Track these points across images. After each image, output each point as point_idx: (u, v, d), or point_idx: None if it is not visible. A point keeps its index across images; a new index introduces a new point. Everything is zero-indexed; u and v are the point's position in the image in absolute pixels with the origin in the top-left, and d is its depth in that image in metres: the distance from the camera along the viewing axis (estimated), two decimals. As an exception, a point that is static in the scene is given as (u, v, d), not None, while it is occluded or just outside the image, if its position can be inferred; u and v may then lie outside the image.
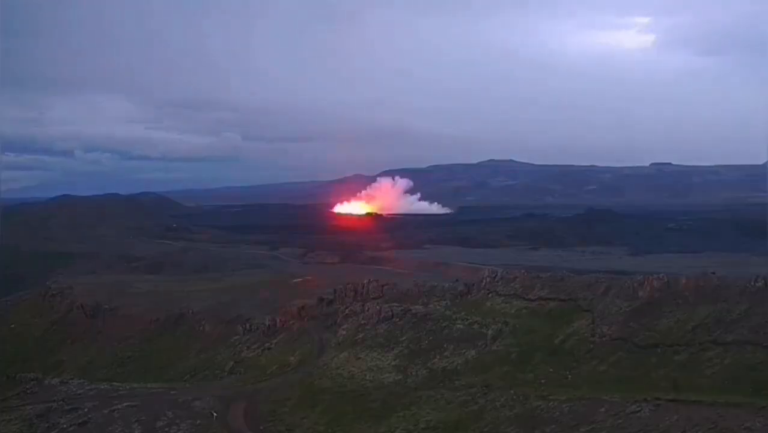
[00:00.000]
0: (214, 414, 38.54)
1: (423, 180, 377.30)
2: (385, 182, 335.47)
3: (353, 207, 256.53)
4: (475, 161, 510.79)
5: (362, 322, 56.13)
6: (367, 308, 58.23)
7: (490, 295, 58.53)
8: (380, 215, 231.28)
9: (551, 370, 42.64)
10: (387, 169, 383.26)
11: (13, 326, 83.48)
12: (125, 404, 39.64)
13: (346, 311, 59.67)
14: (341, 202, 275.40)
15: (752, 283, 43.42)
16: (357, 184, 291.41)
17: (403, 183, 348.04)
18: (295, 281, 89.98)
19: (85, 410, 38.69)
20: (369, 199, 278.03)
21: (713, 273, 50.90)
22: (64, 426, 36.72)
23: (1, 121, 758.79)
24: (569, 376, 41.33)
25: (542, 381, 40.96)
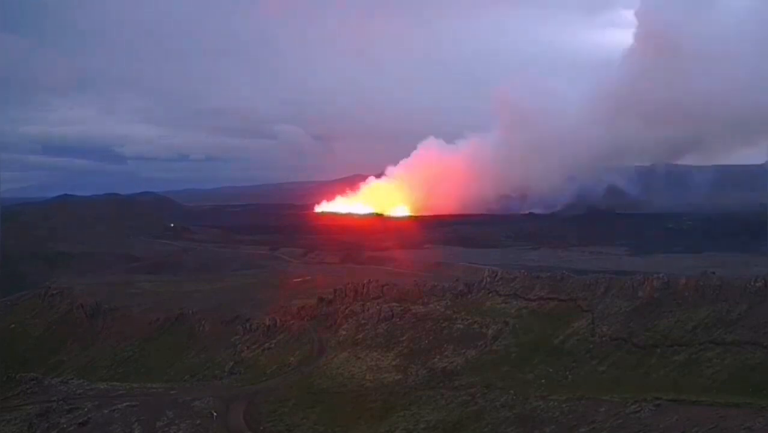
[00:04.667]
0: (214, 414, 38.56)
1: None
2: (427, 147, 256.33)
3: (355, 206, 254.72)
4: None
5: (362, 322, 56.20)
6: (367, 308, 58.30)
7: (490, 295, 58.58)
8: (381, 215, 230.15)
9: (551, 370, 42.69)
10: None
11: (13, 326, 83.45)
12: (125, 404, 39.67)
13: (346, 311, 59.69)
14: (329, 200, 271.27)
15: (752, 283, 43.47)
16: (356, 183, 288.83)
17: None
18: (295, 280, 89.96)
19: (85, 410, 38.73)
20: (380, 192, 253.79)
21: (713, 273, 51.02)
22: (64, 426, 36.76)
23: (2, 121, 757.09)
24: (569, 376, 41.39)
25: (542, 381, 41.03)
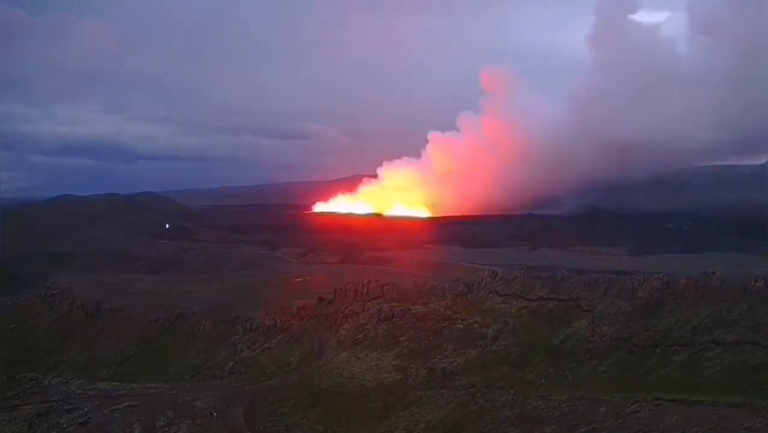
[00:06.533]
0: (214, 414, 38.58)
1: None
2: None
3: (355, 206, 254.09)
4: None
5: (362, 322, 56.24)
6: (367, 308, 58.34)
7: (490, 295, 58.61)
8: (381, 215, 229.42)
9: (551, 370, 42.73)
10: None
11: (13, 326, 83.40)
12: (125, 404, 39.67)
13: (346, 311, 59.72)
14: (329, 200, 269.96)
15: (752, 283, 43.55)
16: (356, 183, 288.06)
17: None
18: (295, 280, 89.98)
19: (85, 410, 38.72)
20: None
21: (713, 273, 51.09)
22: (64, 426, 36.76)
23: (3, 121, 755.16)
24: (569, 376, 41.41)
25: (542, 381, 41.06)
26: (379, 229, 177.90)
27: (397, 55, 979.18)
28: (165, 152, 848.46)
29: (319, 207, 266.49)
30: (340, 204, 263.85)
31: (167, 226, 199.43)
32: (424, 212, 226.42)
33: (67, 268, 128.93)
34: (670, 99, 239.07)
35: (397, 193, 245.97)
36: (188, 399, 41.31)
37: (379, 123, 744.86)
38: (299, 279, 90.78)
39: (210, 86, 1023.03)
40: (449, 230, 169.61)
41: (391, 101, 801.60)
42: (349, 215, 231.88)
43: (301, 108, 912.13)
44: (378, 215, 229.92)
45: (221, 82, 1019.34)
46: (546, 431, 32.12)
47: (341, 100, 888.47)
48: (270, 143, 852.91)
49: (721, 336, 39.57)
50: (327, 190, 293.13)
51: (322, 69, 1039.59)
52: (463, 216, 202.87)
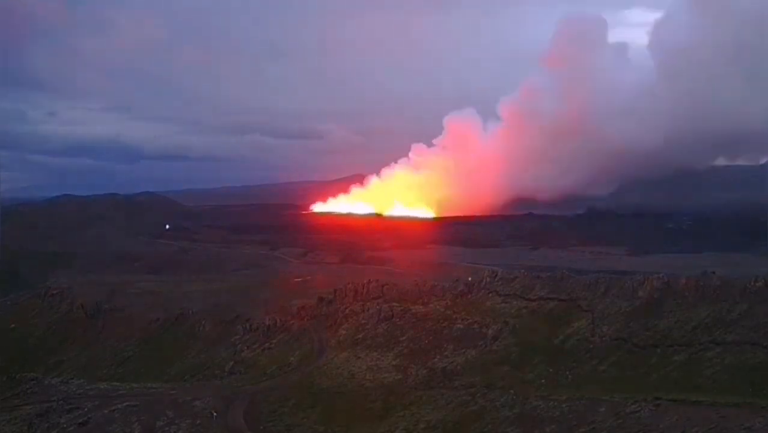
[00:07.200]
0: (214, 414, 38.59)
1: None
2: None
3: (355, 206, 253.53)
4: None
5: (362, 322, 56.25)
6: (367, 308, 58.35)
7: (490, 295, 58.63)
8: (381, 215, 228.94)
9: (551, 370, 42.75)
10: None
11: (13, 326, 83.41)
12: (125, 404, 39.68)
13: (346, 311, 59.74)
14: (329, 200, 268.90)
15: (752, 283, 43.60)
16: (356, 183, 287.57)
17: None
18: (295, 280, 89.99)
19: (85, 409, 38.74)
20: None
21: (713, 273, 51.15)
22: (64, 426, 36.77)
23: (4, 121, 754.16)
24: (569, 376, 41.43)
25: (542, 381, 41.07)
26: (379, 229, 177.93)
27: (402, 53, 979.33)
28: (167, 152, 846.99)
29: (319, 207, 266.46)
30: (340, 204, 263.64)
31: (167, 226, 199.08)
32: (425, 212, 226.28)
33: (67, 268, 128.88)
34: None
35: (402, 191, 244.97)
36: (188, 399, 41.32)
37: (385, 122, 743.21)
38: (299, 279, 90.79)
39: (213, 86, 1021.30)
40: (449, 230, 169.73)
41: (396, 100, 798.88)
42: (349, 215, 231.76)
43: (306, 108, 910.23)
44: (378, 215, 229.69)
45: (225, 81, 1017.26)
46: (546, 431, 32.12)
47: (347, 100, 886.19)
48: (273, 143, 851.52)
49: (721, 336, 39.59)
50: (327, 190, 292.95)
51: (327, 68, 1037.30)
52: (463, 216, 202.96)
